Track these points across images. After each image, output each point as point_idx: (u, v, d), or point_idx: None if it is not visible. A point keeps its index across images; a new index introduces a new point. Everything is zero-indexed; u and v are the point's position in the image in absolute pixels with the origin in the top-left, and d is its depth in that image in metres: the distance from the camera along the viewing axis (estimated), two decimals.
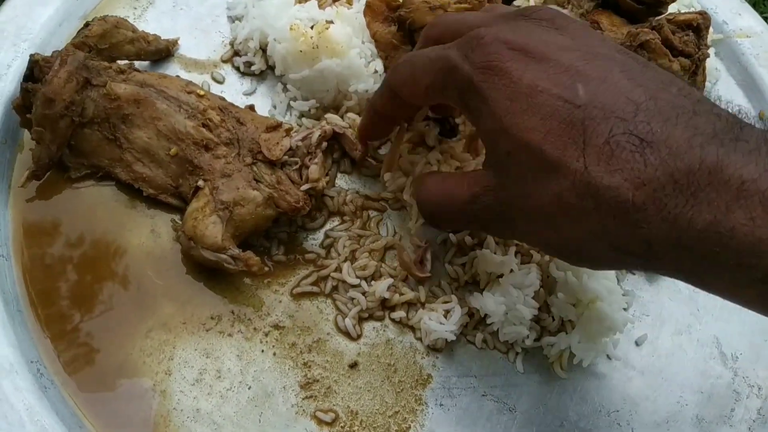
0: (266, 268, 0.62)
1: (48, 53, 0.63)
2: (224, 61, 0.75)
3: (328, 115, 0.68)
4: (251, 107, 0.68)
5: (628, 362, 0.64)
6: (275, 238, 0.64)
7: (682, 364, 0.65)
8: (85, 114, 0.61)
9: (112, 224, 0.63)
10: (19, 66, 0.67)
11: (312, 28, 0.69)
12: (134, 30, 0.69)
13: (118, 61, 0.66)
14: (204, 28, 0.77)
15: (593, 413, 0.61)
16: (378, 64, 0.71)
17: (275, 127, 0.62)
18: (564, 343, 0.60)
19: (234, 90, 0.73)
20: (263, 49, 0.74)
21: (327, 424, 0.57)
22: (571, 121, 0.43)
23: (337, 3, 0.76)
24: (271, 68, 0.74)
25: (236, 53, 0.75)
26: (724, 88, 0.85)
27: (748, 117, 0.43)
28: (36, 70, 0.61)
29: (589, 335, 0.60)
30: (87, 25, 0.66)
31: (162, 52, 0.72)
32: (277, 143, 0.61)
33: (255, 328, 0.60)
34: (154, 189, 0.63)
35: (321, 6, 0.75)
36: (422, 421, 0.58)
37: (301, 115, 0.71)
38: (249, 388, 0.57)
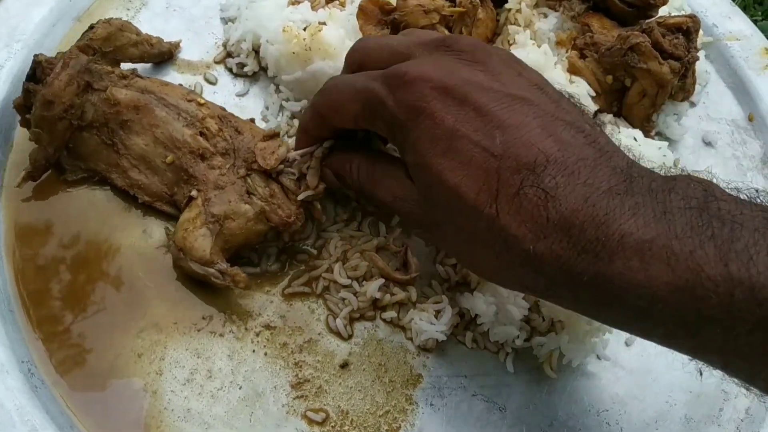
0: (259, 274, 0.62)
1: (42, 54, 0.63)
2: (217, 63, 0.75)
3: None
4: (252, 121, 0.67)
5: (618, 362, 0.64)
6: (264, 253, 0.63)
7: (670, 363, 0.65)
8: (84, 117, 0.61)
9: (104, 226, 0.63)
10: (12, 66, 0.67)
11: (305, 29, 0.69)
12: (138, 33, 0.69)
13: (122, 64, 0.66)
14: (197, 30, 0.77)
15: (582, 413, 0.61)
16: None
17: (272, 136, 0.62)
18: (554, 343, 0.61)
19: (227, 91, 0.74)
20: (256, 50, 0.74)
21: (318, 423, 0.57)
22: (488, 168, 0.47)
23: (330, 5, 0.76)
24: (264, 69, 0.74)
25: (229, 54, 0.76)
26: (713, 90, 0.86)
27: (644, 162, 0.48)
28: (38, 71, 0.61)
29: (579, 335, 0.60)
30: (92, 27, 0.65)
31: (164, 55, 0.73)
32: (273, 152, 0.60)
33: (246, 329, 0.60)
34: (149, 196, 0.63)
35: (314, 8, 0.75)
36: (413, 421, 0.58)
37: (293, 116, 0.71)
38: (240, 388, 0.57)
